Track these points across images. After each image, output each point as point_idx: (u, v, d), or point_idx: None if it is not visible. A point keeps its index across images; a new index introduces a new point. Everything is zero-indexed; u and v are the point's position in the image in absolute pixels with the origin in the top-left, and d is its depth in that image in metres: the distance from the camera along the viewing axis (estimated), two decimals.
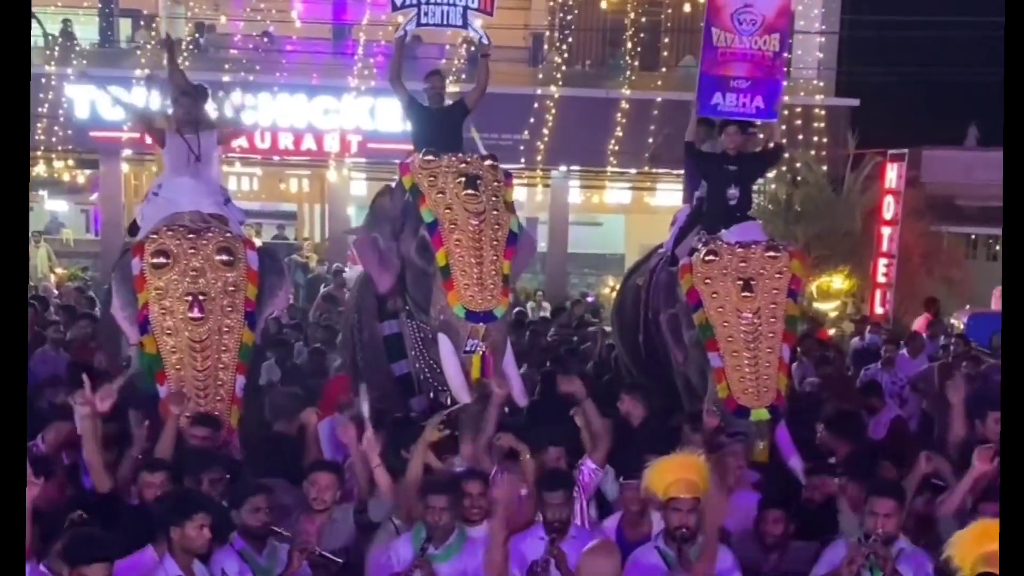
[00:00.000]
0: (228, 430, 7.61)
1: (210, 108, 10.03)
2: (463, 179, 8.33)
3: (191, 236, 8.04)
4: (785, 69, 9.68)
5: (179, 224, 8.28)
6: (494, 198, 8.40)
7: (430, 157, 8.54)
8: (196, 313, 7.77)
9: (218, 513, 5.69)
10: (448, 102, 9.91)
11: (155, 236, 8.08)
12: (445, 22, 9.58)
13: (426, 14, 9.49)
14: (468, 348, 8.06)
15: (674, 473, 5.93)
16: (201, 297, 7.80)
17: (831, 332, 17.42)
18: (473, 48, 20.05)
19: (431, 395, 8.61)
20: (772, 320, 8.50)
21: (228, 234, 8.28)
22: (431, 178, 8.42)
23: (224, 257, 7.95)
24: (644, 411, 8.10)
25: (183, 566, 5.42)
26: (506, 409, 8.71)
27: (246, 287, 8.03)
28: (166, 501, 5.70)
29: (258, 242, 12.02)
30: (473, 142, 10.26)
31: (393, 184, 9.09)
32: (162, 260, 7.88)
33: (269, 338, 12.51)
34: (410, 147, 9.47)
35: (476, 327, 8.04)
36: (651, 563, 5.81)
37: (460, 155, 8.71)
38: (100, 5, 22.52)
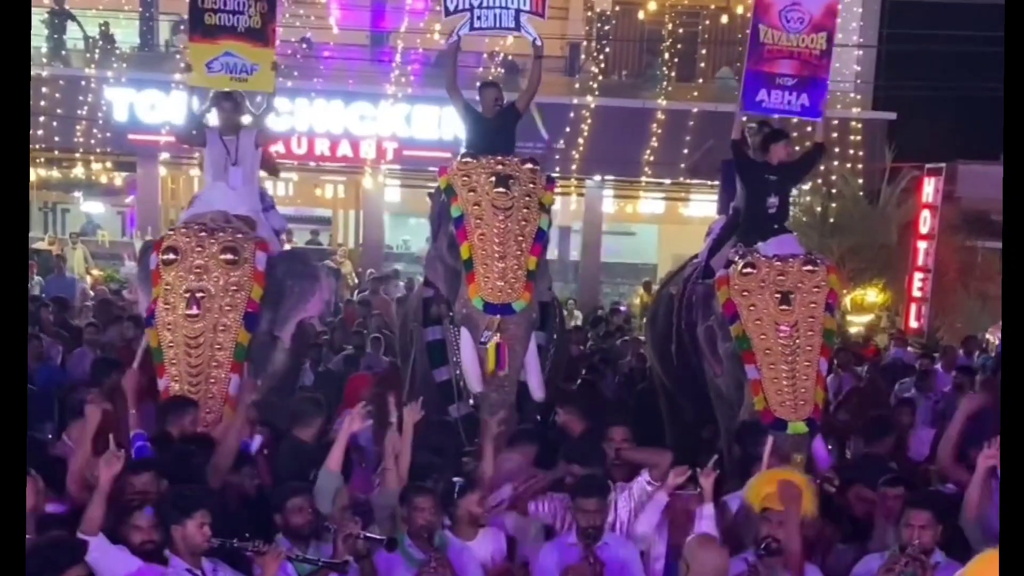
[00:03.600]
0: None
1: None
2: (495, 178, 8.45)
3: (202, 234, 8.20)
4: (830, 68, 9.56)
5: (196, 223, 8.46)
6: (526, 197, 8.48)
7: (467, 159, 8.65)
8: (193, 310, 7.96)
9: (219, 510, 5.70)
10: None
11: (170, 233, 8.34)
12: (498, 25, 9.57)
13: (479, 18, 9.48)
14: (483, 339, 8.18)
15: (772, 485, 5.97)
16: (200, 295, 7.98)
17: None
18: (509, 56, 20.18)
19: (471, 402, 8.65)
20: (810, 334, 8.46)
21: (239, 235, 8.39)
22: (465, 177, 8.55)
23: (228, 256, 8.10)
24: (581, 424, 7.82)
25: (191, 564, 5.43)
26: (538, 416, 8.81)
27: (250, 288, 8.16)
28: (167, 499, 5.72)
29: (288, 247, 12.11)
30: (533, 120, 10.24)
31: (428, 194, 9.20)
32: (171, 256, 8.10)
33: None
34: (445, 154, 9.54)
35: (492, 319, 8.13)
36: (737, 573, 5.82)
37: (498, 157, 8.78)
38: (140, 9, 22.69)
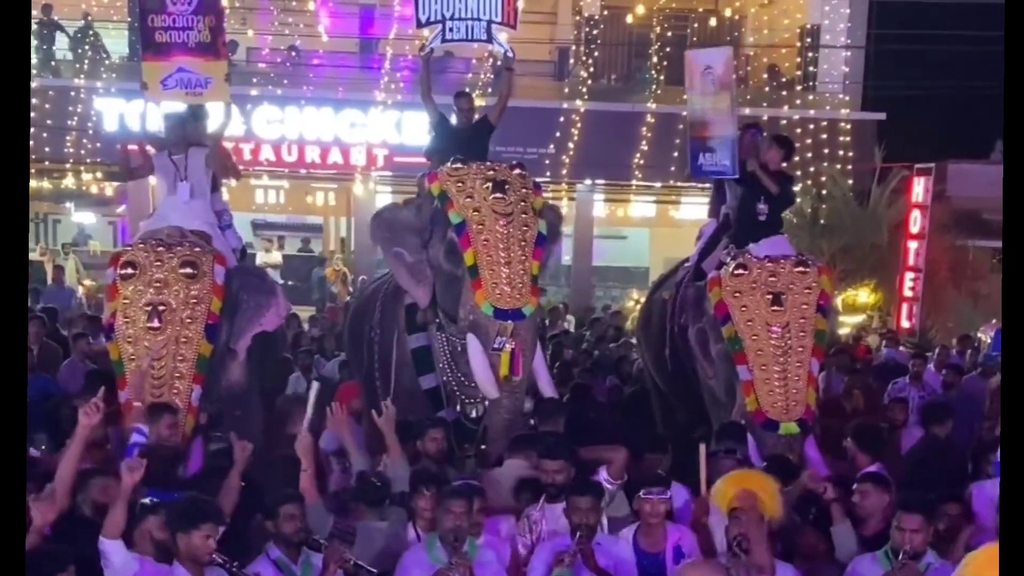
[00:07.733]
0: (183, 438, 7.74)
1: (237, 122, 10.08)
2: (490, 184, 8.46)
3: (160, 249, 8.28)
4: (736, 126, 9.68)
5: (153, 237, 8.53)
6: (523, 202, 8.49)
7: (458, 165, 8.66)
8: (155, 323, 8.03)
9: (225, 523, 5.70)
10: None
11: (128, 248, 8.43)
12: (470, 37, 9.66)
13: (451, 30, 9.56)
14: (496, 346, 8.16)
15: (738, 485, 6.03)
16: (161, 308, 8.05)
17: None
18: (499, 62, 20.19)
19: (459, 408, 8.66)
20: (801, 334, 8.51)
21: (197, 248, 8.45)
22: (459, 183, 8.54)
23: (188, 270, 8.17)
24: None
25: (194, 574, 5.45)
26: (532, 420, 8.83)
27: (210, 300, 8.24)
28: (176, 508, 5.72)
29: (279, 254, 12.04)
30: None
31: (404, 200, 9.17)
32: (129, 271, 8.16)
33: (295, 351, 12.61)
34: None
35: (504, 325, 8.14)
36: None
37: (488, 163, 8.86)
38: (130, 19, 22.67)
